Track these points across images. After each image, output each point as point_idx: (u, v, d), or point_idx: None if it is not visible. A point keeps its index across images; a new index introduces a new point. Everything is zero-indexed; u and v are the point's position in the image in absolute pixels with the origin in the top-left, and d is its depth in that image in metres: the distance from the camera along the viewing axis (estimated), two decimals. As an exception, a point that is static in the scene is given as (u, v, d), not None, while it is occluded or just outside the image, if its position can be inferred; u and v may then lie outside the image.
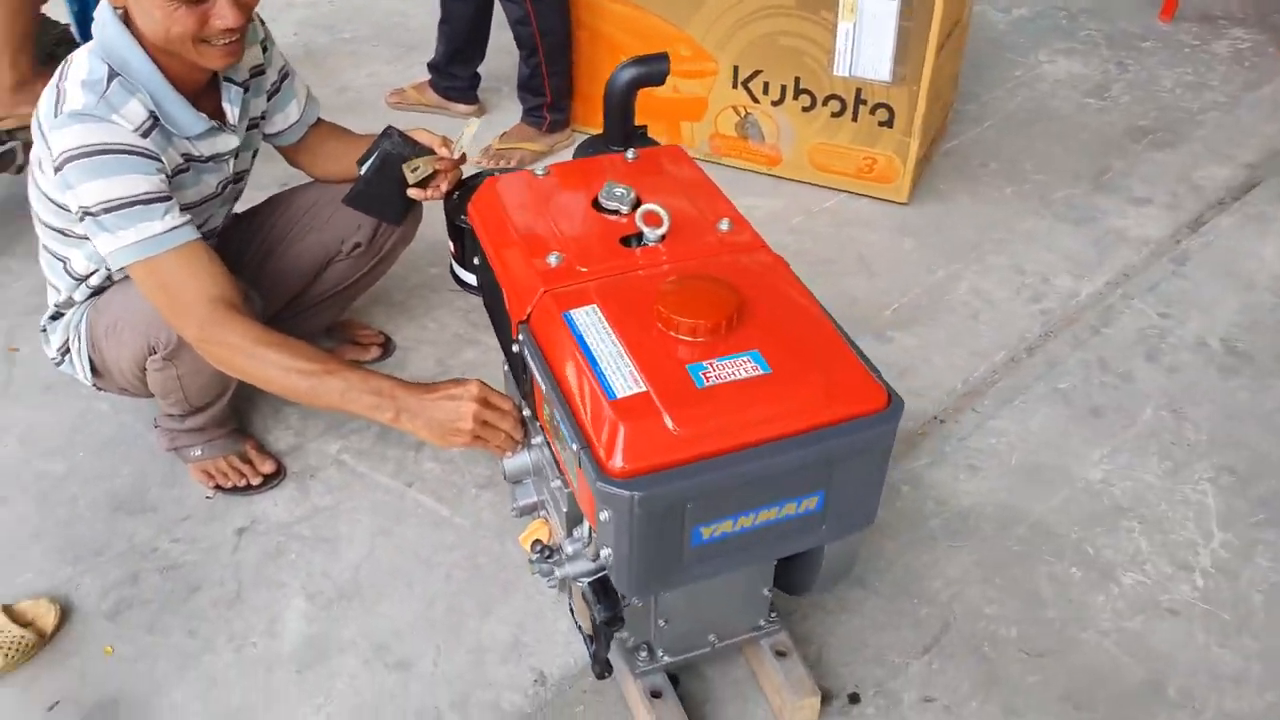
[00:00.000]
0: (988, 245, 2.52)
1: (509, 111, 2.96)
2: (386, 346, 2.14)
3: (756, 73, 2.64)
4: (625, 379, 1.09)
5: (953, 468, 1.90)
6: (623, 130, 1.59)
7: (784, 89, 2.63)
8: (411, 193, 1.65)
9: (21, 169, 2.30)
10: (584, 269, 1.26)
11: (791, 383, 1.10)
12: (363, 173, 1.63)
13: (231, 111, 1.59)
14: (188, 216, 1.45)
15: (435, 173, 1.63)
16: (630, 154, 1.49)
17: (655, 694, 1.36)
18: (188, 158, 1.53)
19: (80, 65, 1.42)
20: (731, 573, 1.25)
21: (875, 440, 1.11)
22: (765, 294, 1.21)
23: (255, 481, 1.81)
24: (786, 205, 2.67)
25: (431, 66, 2.98)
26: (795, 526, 1.15)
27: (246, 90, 1.63)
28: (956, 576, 1.70)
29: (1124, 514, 1.82)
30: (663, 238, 1.29)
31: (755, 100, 2.69)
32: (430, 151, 1.64)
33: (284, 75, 1.73)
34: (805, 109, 2.63)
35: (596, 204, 1.35)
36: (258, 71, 1.66)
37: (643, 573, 1.11)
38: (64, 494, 1.82)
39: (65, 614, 1.60)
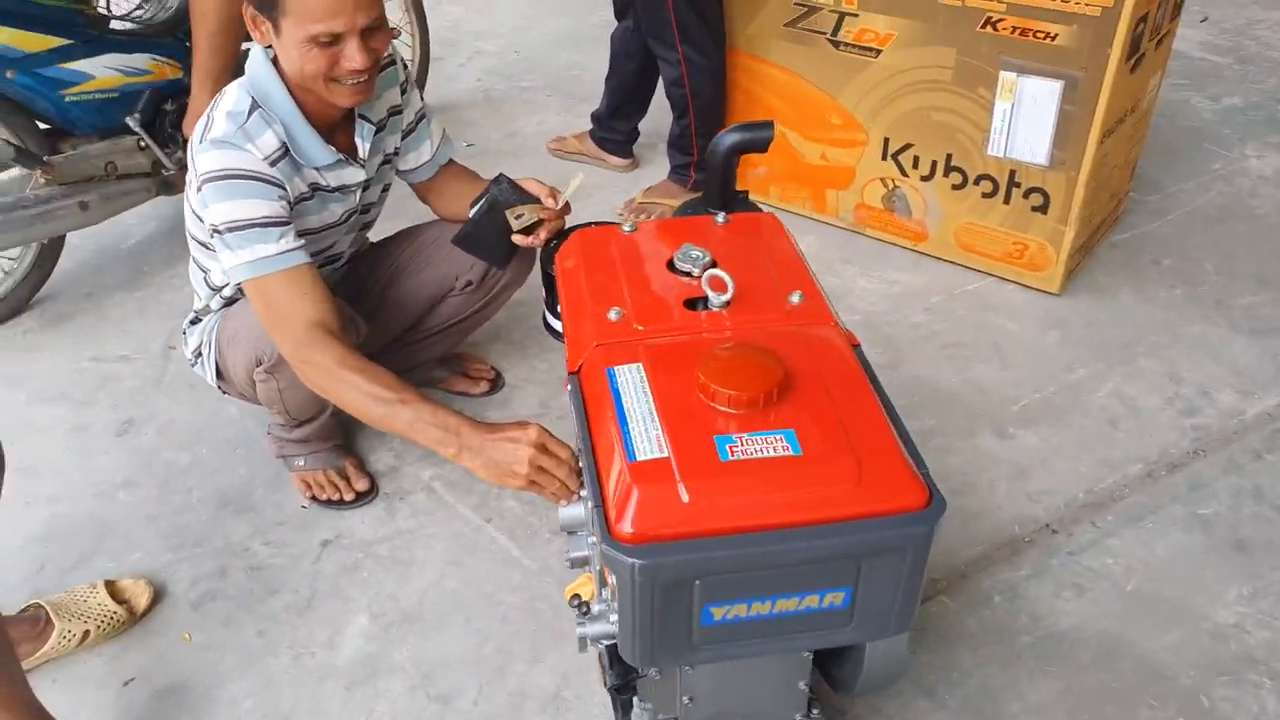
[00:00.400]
0: (1142, 347, 2.33)
1: (661, 167, 3.02)
2: (495, 382, 2.21)
3: (907, 146, 2.58)
4: (650, 442, 1.08)
5: (1056, 583, 1.75)
6: (722, 193, 1.58)
7: (934, 165, 2.55)
8: (515, 238, 1.71)
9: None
10: (641, 327, 1.25)
11: (821, 468, 1.05)
12: (471, 215, 1.71)
13: (362, 146, 1.70)
14: (301, 242, 1.56)
15: (539, 221, 1.68)
16: (721, 217, 1.48)
17: (677, 772, 1.31)
18: (314, 187, 1.65)
19: (229, 97, 1.57)
20: (755, 658, 1.20)
21: (908, 540, 1.04)
22: (819, 372, 1.16)
23: (348, 497, 1.91)
24: (928, 283, 2.58)
25: (594, 118, 3.09)
26: (819, 621, 1.09)
27: (381, 129, 1.75)
28: (1038, 703, 1.55)
29: (1254, 666, 1.61)
30: (727, 304, 1.28)
31: (904, 174, 2.62)
32: (536, 200, 1.69)
33: (420, 117, 1.85)
34: (955, 187, 2.54)
35: (671, 264, 1.35)
36: (395, 111, 1.78)
37: (646, 644, 1.08)
38: (182, 484, 1.98)
39: (157, 596, 1.74)
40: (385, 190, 1.88)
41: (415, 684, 1.60)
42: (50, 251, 2.49)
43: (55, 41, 2.28)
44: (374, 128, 1.71)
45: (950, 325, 2.42)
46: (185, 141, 2.45)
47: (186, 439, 2.09)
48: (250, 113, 1.54)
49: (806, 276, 1.36)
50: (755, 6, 2.66)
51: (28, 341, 2.42)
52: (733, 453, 1.06)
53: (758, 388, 1.10)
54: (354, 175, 1.70)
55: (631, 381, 1.17)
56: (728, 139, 1.55)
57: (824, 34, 2.57)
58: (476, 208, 1.70)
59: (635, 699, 1.31)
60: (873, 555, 1.04)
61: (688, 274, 1.33)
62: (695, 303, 1.30)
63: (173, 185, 2.55)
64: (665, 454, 1.06)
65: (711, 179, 1.57)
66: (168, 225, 2.87)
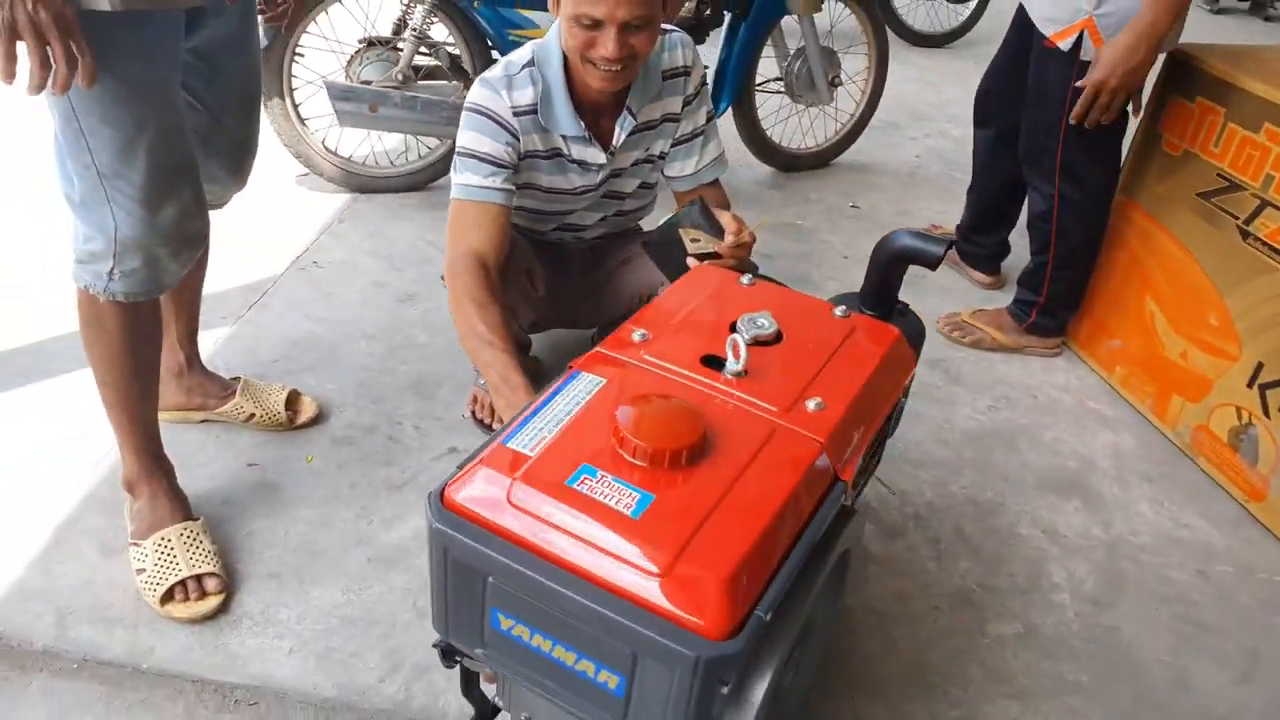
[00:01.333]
0: None
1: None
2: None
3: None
4: (533, 439, 1.10)
5: None
6: (875, 293, 1.48)
7: (1302, 416, 2.05)
8: (689, 260, 1.75)
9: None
10: (647, 356, 1.25)
11: (642, 540, 0.99)
12: (658, 226, 1.78)
13: (618, 135, 1.85)
14: (508, 187, 1.76)
15: (714, 253, 1.70)
16: (839, 310, 1.40)
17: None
18: (555, 151, 1.84)
19: (522, 51, 1.81)
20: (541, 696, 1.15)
21: (673, 656, 0.94)
22: (745, 466, 1.08)
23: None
24: (1230, 549, 2.08)
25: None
26: (593, 696, 1.04)
27: (649, 128, 1.89)
28: None
29: None
30: (740, 374, 1.22)
31: (1266, 413, 2.14)
32: (719, 231, 1.71)
33: (698, 134, 1.95)
34: (1317, 453, 2.02)
35: (734, 324, 1.32)
36: (670, 119, 1.91)
37: (439, 610, 1.11)
38: (406, 356, 2.33)
39: (318, 418, 2.09)
40: (645, 188, 2.01)
41: (413, 590, 1.74)
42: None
43: (522, -14, 2.75)
44: (635, 122, 1.86)
45: (1222, 611, 1.93)
46: None
47: (438, 327, 2.45)
48: (524, 68, 1.77)
49: (849, 394, 1.24)
50: (1175, 164, 2.33)
51: (401, 212, 2.98)
52: (583, 484, 1.04)
53: (653, 442, 1.06)
54: (596, 156, 1.86)
55: (580, 389, 1.19)
56: (898, 242, 1.44)
57: (1236, 219, 2.18)
58: (663, 221, 1.77)
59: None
60: (644, 653, 0.96)
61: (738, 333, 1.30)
62: (715, 360, 1.26)
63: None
64: (531, 454, 1.08)
65: (870, 275, 1.48)
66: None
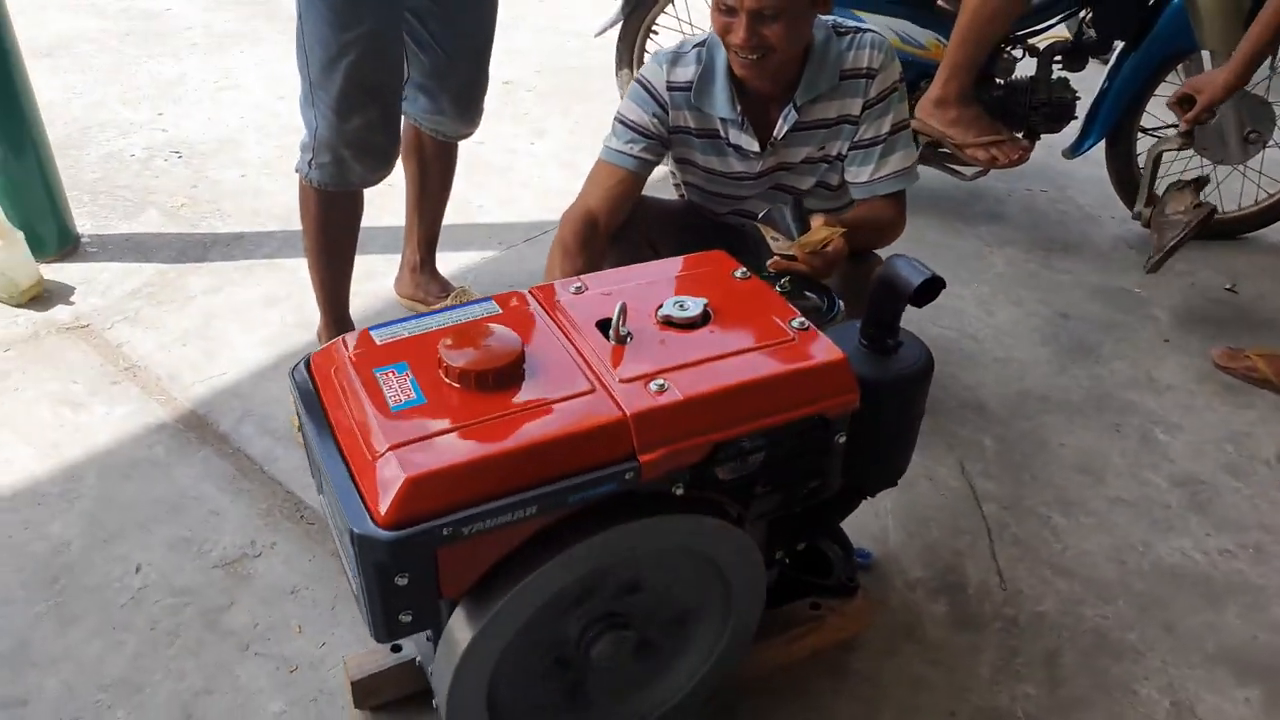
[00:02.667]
0: None
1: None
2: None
3: None
4: (391, 334, 1.28)
5: None
6: (869, 321, 1.37)
7: None
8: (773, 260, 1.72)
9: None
10: (562, 302, 1.35)
11: (380, 426, 1.12)
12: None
13: (780, 127, 1.87)
14: (645, 157, 1.86)
15: (793, 255, 1.67)
16: (796, 321, 1.33)
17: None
18: (707, 131, 1.90)
19: (706, 34, 1.91)
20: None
21: (344, 526, 1.07)
22: (529, 408, 1.15)
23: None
24: None
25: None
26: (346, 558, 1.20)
27: (824, 127, 1.87)
28: None
29: None
30: (620, 340, 1.26)
31: None
32: (795, 233, 1.66)
33: (878, 141, 1.88)
34: None
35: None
36: (846, 120, 1.87)
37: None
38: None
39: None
40: (827, 188, 1.98)
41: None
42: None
43: (853, -12, 2.76)
44: (798, 117, 1.86)
45: None
46: (913, 116, 2.73)
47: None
48: (695, 47, 1.87)
49: (704, 389, 1.21)
50: None
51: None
52: (386, 375, 1.20)
53: (449, 357, 1.18)
54: (749, 143, 1.89)
55: (475, 311, 1.33)
56: (884, 268, 1.33)
57: None
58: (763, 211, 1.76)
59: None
60: (340, 520, 1.11)
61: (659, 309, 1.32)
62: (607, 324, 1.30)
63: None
64: (378, 342, 1.27)
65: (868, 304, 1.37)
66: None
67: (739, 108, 1.86)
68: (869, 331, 1.37)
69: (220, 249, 2.70)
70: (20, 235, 2.39)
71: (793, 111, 1.85)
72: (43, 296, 2.45)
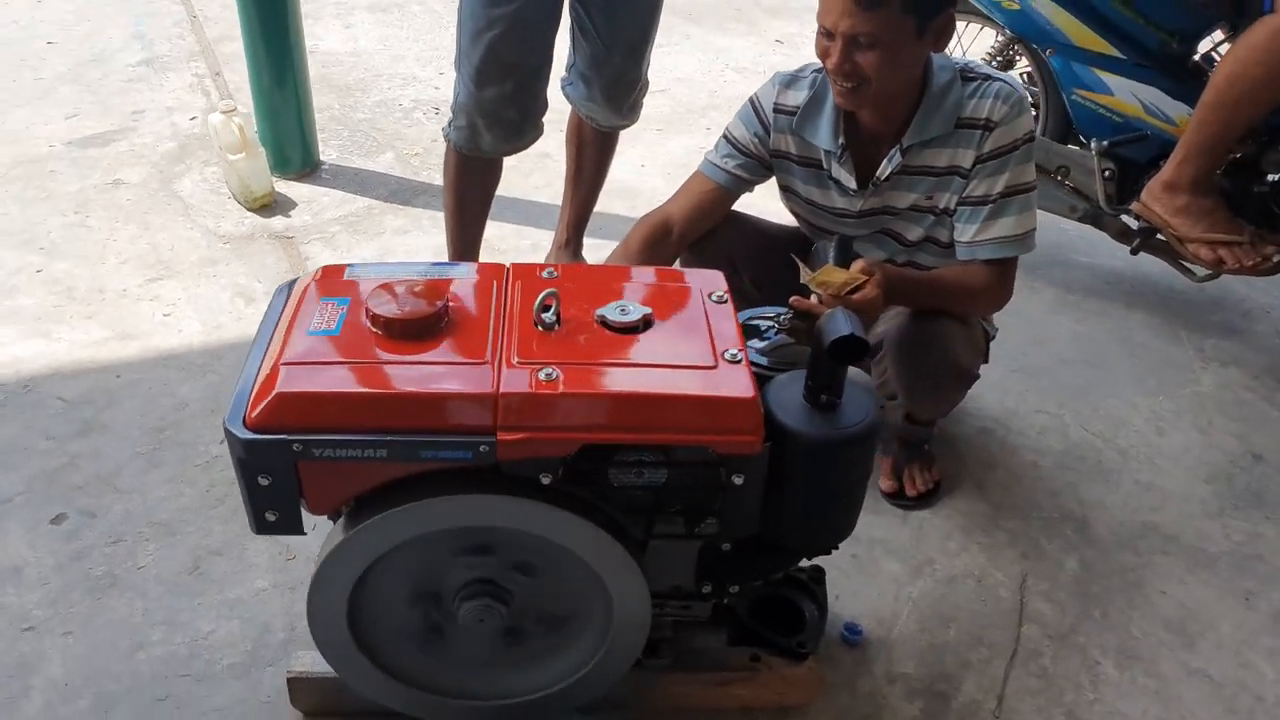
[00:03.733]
0: None
1: None
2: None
3: None
4: (361, 273, 1.42)
5: None
6: (809, 374, 1.30)
7: None
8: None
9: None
10: (524, 286, 1.42)
11: (288, 345, 1.26)
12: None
13: (883, 168, 1.79)
14: (735, 172, 1.86)
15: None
16: (730, 353, 1.30)
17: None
18: (809, 160, 1.85)
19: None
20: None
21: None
22: (418, 363, 1.24)
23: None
24: None
25: None
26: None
27: (932, 175, 1.77)
28: None
29: None
30: (547, 326, 1.30)
31: None
32: (835, 275, 1.59)
33: (987, 201, 1.74)
34: None
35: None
36: (956, 172, 1.75)
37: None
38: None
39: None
40: (934, 242, 1.87)
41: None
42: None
43: (1106, 49, 2.51)
44: (902, 160, 1.76)
45: None
46: (1138, 196, 2.47)
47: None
48: (814, 72, 1.82)
49: (584, 389, 1.23)
50: None
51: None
52: (327, 305, 1.34)
53: (372, 303, 1.29)
54: (848, 179, 1.82)
55: (445, 271, 1.44)
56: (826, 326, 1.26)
57: None
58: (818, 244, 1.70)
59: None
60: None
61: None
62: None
63: (1099, 220, 2.63)
64: (344, 278, 1.41)
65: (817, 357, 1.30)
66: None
67: (842, 140, 1.80)
68: (806, 384, 1.30)
69: (425, 198, 3.01)
70: (262, 151, 2.84)
71: (898, 153, 1.77)
72: (270, 205, 2.88)
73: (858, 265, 1.62)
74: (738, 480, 1.28)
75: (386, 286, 1.32)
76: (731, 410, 1.24)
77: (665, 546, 1.38)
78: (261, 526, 1.29)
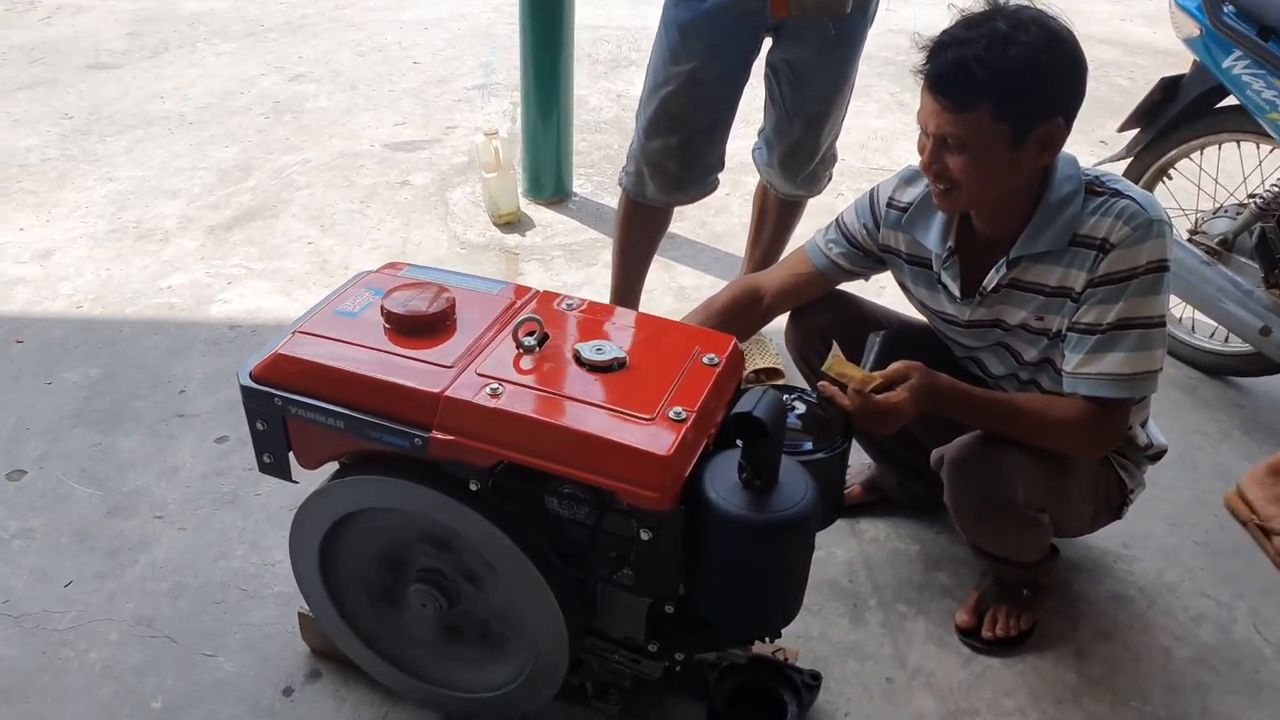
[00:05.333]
0: None
1: None
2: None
3: None
4: (397, 279, 1.61)
5: None
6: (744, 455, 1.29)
7: None
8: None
9: None
10: (539, 308, 1.53)
11: (318, 315, 1.48)
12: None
13: (989, 279, 1.67)
14: (836, 261, 1.82)
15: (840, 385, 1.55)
16: (674, 411, 1.32)
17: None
18: (921, 260, 1.76)
19: None
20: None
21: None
22: (400, 355, 1.41)
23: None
24: None
25: None
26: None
27: (1040, 293, 1.63)
28: None
29: None
30: (528, 349, 1.41)
31: None
32: (850, 369, 1.52)
33: (1096, 331, 1.56)
34: None
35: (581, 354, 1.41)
36: (1066, 293, 1.60)
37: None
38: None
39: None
40: (1052, 366, 1.71)
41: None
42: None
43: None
44: (1007, 271, 1.64)
45: None
46: None
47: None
48: (941, 167, 1.75)
49: (523, 413, 1.31)
50: None
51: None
52: (361, 295, 1.54)
53: (388, 300, 1.48)
54: (950, 284, 1.71)
55: (483, 284, 1.59)
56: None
57: None
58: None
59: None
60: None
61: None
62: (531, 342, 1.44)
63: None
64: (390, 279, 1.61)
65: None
66: None
67: (950, 244, 1.71)
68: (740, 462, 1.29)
69: (654, 240, 3.20)
70: (513, 174, 3.19)
71: (1004, 265, 1.65)
72: (514, 223, 3.23)
73: (895, 368, 1.55)
74: (645, 535, 1.29)
75: (410, 287, 1.50)
76: (641, 463, 1.26)
77: (612, 592, 1.42)
78: (261, 466, 1.52)
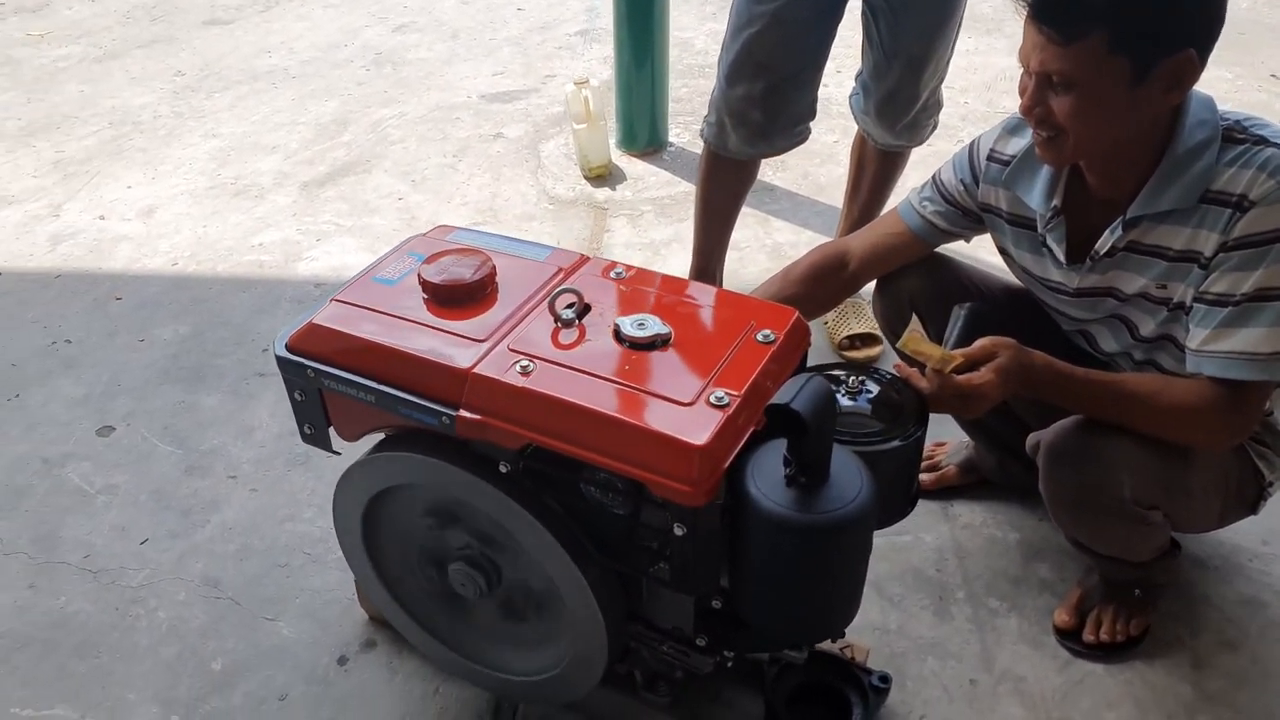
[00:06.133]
0: None
1: None
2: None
3: None
4: (447, 241, 1.53)
5: None
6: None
7: None
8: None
9: None
10: (587, 277, 1.43)
11: (361, 279, 1.42)
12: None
13: (1102, 242, 1.48)
14: (931, 219, 1.67)
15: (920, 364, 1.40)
16: (720, 394, 1.21)
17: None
18: (1024, 221, 1.58)
19: None
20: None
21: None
22: (437, 327, 1.34)
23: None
24: None
25: None
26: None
27: (1163, 257, 1.44)
28: None
29: None
30: (566, 322, 1.32)
31: None
32: (927, 347, 1.37)
33: (1226, 302, 1.36)
34: None
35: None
36: (1193, 257, 1.40)
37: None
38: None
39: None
40: (1173, 343, 1.51)
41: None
42: None
43: None
44: (1124, 234, 1.45)
45: None
46: None
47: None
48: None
49: (550, 391, 1.23)
50: None
51: None
52: (404, 260, 1.47)
53: (428, 267, 1.40)
54: (1055, 244, 1.53)
55: (532, 249, 1.50)
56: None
57: None
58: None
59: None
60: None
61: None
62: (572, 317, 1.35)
63: None
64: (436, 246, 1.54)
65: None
66: None
67: (1056, 203, 1.52)
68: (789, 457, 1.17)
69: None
70: (604, 125, 3.07)
71: (1120, 226, 1.45)
72: (605, 176, 3.13)
73: (980, 345, 1.39)
74: (679, 530, 1.19)
75: (451, 254, 1.42)
76: (673, 452, 1.15)
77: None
78: (303, 436, 1.48)
